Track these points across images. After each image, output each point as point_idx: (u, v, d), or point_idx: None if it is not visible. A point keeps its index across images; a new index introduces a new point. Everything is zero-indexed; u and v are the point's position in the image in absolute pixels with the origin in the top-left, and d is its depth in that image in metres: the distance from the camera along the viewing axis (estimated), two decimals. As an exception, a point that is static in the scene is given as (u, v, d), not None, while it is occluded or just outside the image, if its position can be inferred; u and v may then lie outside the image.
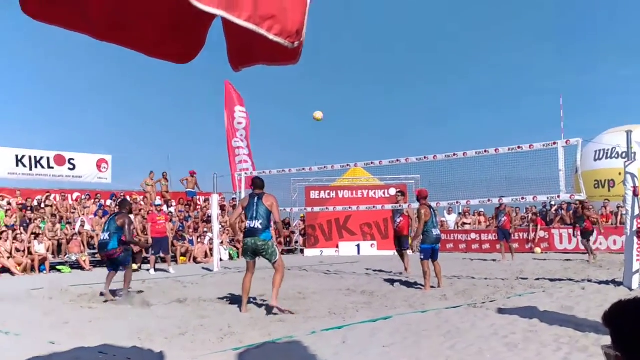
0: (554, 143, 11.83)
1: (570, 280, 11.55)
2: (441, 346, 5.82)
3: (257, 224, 8.33)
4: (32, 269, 16.15)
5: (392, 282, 12.12)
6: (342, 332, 6.67)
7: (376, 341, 6.16)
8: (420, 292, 10.34)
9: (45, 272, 16.28)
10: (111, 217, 10.73)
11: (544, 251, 20.61)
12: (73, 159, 23.24)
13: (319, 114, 14.02)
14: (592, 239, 17.40)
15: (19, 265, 15.94)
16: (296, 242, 25.17)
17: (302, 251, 24.06)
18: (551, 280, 11.72)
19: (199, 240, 20.40)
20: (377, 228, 23.35)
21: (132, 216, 12.17)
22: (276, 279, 8.38)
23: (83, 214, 19.88)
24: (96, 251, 17.54)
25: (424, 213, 10.95)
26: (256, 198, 8.50)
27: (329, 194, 24.02)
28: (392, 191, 23.72)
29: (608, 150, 22.23)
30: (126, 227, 10.29)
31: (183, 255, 19.41)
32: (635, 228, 10.20)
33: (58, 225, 18.34)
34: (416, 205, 11.72)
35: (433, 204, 12.10)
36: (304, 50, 2.41)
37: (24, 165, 21.91)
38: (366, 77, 62.00)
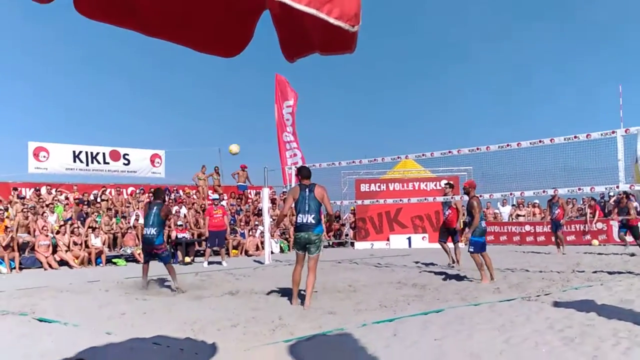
0: (613, 132, 11.49)
1: (630, 273, 11.22)
2: (495, 340, 5.71)
3: (309, 219, 8.20)
4: (89, 262, 16.59)
5: (443, 275, 11.98)
6: (393, 325, 6.62)
7: (428, 334, 6.08)
8: (472, 285, 10.19)
9: (101, 264, 16.70)
10: (154, 209, 10.56)
11: (601, 243, 20.07)
12: (128, 155, 23.77)
13: (234, 148, 13.69)
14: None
15: (77, 258, 16.40)
16: (346, 235, 25.17)
17: (352, 244, 24.05)
18: (610, 273, 11.40)
19: (250, 233, 20.60)
20: (428, 220, 23.14)
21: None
22: (310, 281, 8.23)
23: (137, 208, 20.28)
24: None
25: (477, 204, 10.76)
26: (307, 190, 8.32)
27: (379, 187, 23.91)
28: (444, 183, 23.48)
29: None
30: (171, 218, 10.36)
31: (235, 248, 19.63)
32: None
33: (113, 219, 18.79)
34: (466, 197, 11.48)
35: (486, 196, 11.91)
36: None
37: (81, 161, 22.53)
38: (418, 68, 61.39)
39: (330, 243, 24.09)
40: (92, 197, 20.53)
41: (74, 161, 22.38)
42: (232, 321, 7.05)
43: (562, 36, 55.27)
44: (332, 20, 2.12)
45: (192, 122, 54.27)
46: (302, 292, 8.36)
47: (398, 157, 16.24)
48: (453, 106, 59.71)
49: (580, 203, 23.36)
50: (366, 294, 9.43)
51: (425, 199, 18.78)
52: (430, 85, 61.81)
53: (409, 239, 22.98)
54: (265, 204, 17.34)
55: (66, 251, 16.38)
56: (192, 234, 19.18)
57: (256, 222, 21.30)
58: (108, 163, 23.17)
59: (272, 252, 17.71)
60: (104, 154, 23.08)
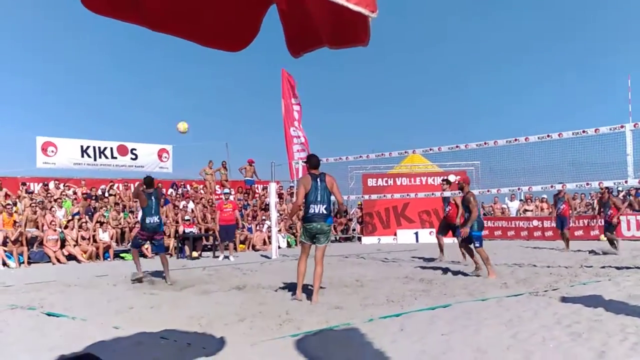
0: (622, 126, 11.42)
1: (638, 268, 11.16)
2: (502, 335, 5.70)
3: (322, 209, 8.10)
4: (97, 257, 16.69)
5: (450, 270, 11.96)
6: (400, 320, 6.61)
7: (435, 329, 6.08)
8: (480, 280, 10.17)
9: (109, 259, 16.79)
10: (152, 199, 10.86)
11: (610, 238, 19.98)
12: (135, 149, 23.84)
13: (182, 126, 13.53)
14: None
15: (85, 252, 16.49)
16: (353, 229, 25.17)
17: (359, 239, 24.04)
18: (618, 268, 11.34)
19: (258, 228, 20.64)
20: (435, 215, 23.04)
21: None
22: (318, 273, 8.12)
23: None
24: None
25: (474, 200, 10.92)
26: (318, 180, 8.21)
27: (386, 182, 23.88)
28: (452, 178, 23.40)
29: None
30: (162, 203, 10.61)
31: (242, 242, 19.68)
32: None
33: (121, 214, 18.86)
34: (475, 192, 11.51)
35: (494, 190, 11.89)
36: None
37: (89, 156, 22.62)
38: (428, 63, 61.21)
39: (337, 238, 24.09)
40: (100, 192, 20.61)
41: (82, 156, 22.46)
42: (239, 316, 7.07)
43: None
44: (352, 6, 2.08)
45: (199, 116, 54.24)
46: (310, 287, 8.36)
47: (405, 152, 16.20)
48: (465, 98, 59.47)
49: (588, 198, 23.26)
50: (373, 288, 9.42)
51: (433, 194, 18.69)
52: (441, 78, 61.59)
53: (416, 233, 22.95)
54: (273, 199, 17.37)
55: (74, 246, 16.47)
56: (200, 229, 19.23)
57: (263, 217, 21.33)
58: (116, 158, 23.25)
59: (279, 247, 17.77)
60: (111, 148, 23.16)
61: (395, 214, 23.68)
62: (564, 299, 7.66)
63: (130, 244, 14.19)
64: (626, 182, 11.70)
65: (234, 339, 5.79)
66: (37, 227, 16.70)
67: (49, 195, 19.13)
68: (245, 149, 61.98)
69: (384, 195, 19.53)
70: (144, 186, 11.12)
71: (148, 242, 11.43)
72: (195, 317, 6.97)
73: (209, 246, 18.57)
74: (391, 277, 11.04)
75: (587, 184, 12.68)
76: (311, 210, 8.13)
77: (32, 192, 19.34)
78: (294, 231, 22.16)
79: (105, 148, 23.00)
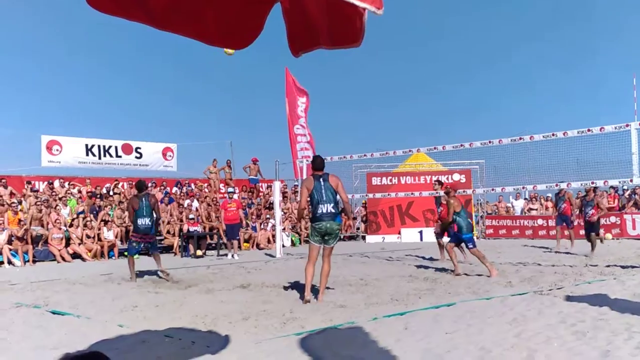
0: (627, 125, 11.39)
1: (643, 267, 11.14)
2: (507, 334, 5.69)
3: (329, 208, 8.04)
4: (102, 255, 16.73)
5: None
6: (404, 319, 6.62)
7: (439, 328, 6.08)
8: (484, 279, 10.16)
9: (114, 257, 16.83)
10: (144, 201, 11.16)
11: (615, 237, 19.95)
12: (140, 148, 23.86)
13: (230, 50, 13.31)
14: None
15: (89, 251, 16.53)
16: (358, 228, 25.17)
17: (363, 237, 24.04)
18: (623, 267, 11.32)
19: (262, 226, 20.65)
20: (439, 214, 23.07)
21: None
22: (325, 272, 8.14)
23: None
24: (162, 237, 18.11)
25: (456, 203, 11.18)
26: (321, 180, 8.17)
27: (390, 180, 23.86)
28: (456, 176, 23.40)
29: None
30: (157, 208, 11.34)
31: (246, 241, 19.71)
32: None
33: (126, 213, 18.86)
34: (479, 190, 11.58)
35: (498, 189, 11.91)
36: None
37: (94, 155, 22.64)
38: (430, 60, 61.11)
39: (342, 237, 24.07)
40: (104, 191, 20.66)
41: (87, 154, 22.50)
42: (243, 314, 7.08)
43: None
44: (357, 3, 2.09)
45: (204, 115, 54.29)
46: (316, 288, 8.35)
47: (410, 151, 16.18)
48: (470, 97, 59.38)
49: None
50: (377, 287, 9.42)
51: (438, 192, 18.70)
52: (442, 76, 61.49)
53: (421, 232, 22.93)
54: (277, 198, 17.39)
55: (79, 244, 16.52)
56: (204, 228, 19.26)
57: (267, 216, 21.34)
58: (120, 156, 23.28)
59: (283, 246, 17.78)
60: (116, 147, 23.19)
61: (400, 212, 23.65)
62: (569, 298, 7.64)
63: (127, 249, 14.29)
64: (631, 180, 11.66)
65: (238, 337, 5.80)
66: (42, 226, 16.74)
67: (54, 193, 19.16)
68: (249, 147, 62.04)
69: (388, 194, 19.52)
70: (137, 190, 11.58)
71: (142, 245, 11.59)
72: (200, 316, 6.98)
73: (213, 245, 18.60)
74: (395, 275, 11.04)
75: (592, 183, 12.65)
76: (319, 210, 8.08)
77: (37, 191, 19.38)
78: (298, 230, 22.17)
79: (110, 147, 23.03)
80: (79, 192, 20.33)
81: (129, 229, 18.21)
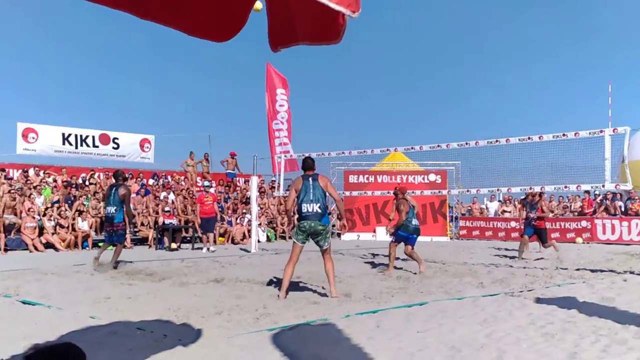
0: (601, 131, 11.55)
1: (611, 271, 11.32)
2: (477, 334, 5.76)
3: (315, 208, 8.01)
4: (76, 245, 16.58)
5: (428, 268, 12.04)
6: (377, 317, 6.66)
7: (411, 327, 6.13)
8: (456, 279, 10.25)
9: (87, 248, 16.69)
10: (113, 190, 11.50)
11: (585, 241, 20.24)
12: (117, 139, 23.68)
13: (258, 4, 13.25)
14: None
15: (63, 241, 16.37)
16: (333, 225, 25.21)
17: (339, 235, 24.09)
18: (592, 270, 11.49)
19: (238, 221, 20.61)
20: (415, 214, 23.19)
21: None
22: (329, 269, 8.20)
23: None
24: (136, 229, 18.01)
25: (403, 207, 11.79)
26: (310, 179, 8.16)
27: (367, 179, 23.95)
28: (432, 177, 23.56)
29: (657, 139, 21.62)
30: (127, 199, 11.45)
31: (221, 235, 19.65)
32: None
33: (101, 203, 18.70)
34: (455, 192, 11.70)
35: (473, 191, 12.02)
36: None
37: (70, 144, 22.42)
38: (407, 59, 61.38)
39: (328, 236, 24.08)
40: (80, 181, 20.45)
41: (63, 143, 22.26)
42: (216, 308, 7.07)
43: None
44: (332, 5, 2.11)
45: (182, 108, 54.03)
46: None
47: (387, 150, 16.23)
48: (447, 100, 59.75)
49: (566, 201, 23.52)
50: (351, 284, 9.47)
51: (413, 192, 18.80)
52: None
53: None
54: (254, 193, 17.37)
55: (52, 234, 16.35)
56: (179, 220, 19.18)
57: (244, 210, 21.30)
58: (97, 146, 23.08)
59: (258, 241, 17.77)
60: (93, 137, 22.98)
61: (375, 211, 23.76)
62: (539, 300, 7.75)
63: None
64: (603, 186, 11.84)
65: (210, 331, 5.79)
66: (15, 214, 16.53)
67: (28, 182, 18.94)
68: (228, 141, 61.85)
69: (365, 192, 19.58)
70: (114, 179, 12.07)
71: (110, 235, 11.76)
72: (173, 309, 6.96)
73: (188, 238, 18.54)
74: (369, 273, 11.12)
75: (566, 187, 12.80)
76: (304, 209, 8.07)
77: (11, 179, 19.16)
78: (274, 225, 22.17)
79: (87, 136, 22.81)
80: (54, 181, 20.12)
81: (103, 219, 18.12)
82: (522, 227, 14.80)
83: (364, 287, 9.11)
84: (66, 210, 17.22)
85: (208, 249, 16.33)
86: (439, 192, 20.43)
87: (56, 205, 17.31)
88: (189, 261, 13.23)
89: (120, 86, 54.74)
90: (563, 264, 12.69)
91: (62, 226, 16.65)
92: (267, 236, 21.21)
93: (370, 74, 60.80)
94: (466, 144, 13.57)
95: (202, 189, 19.22)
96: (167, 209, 18.47)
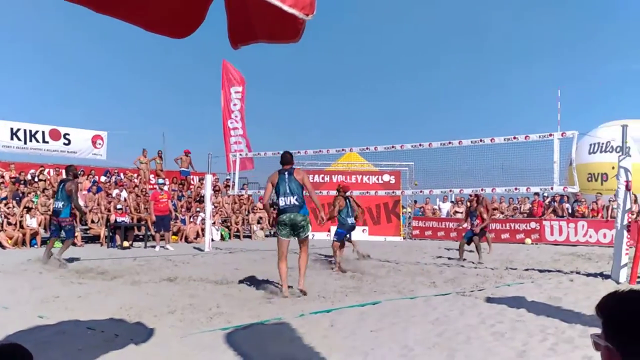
0: (550, 135, 11.84)
1: (559, 271, 11.61)
2: (429, 333, 5.84)
3: (292, 200, 8.26)
4: (24, 243, 16.15)
5: (381, 267, 12.16)
6: (331, 316, 6.69)
7: (364, 326, 6.18)
8: (409, 279, 10.37)
9: (36, 246, 16.27)
10: (61, 185, 11.61)
11: (534, 242, 20.69)
12: (68, 134, 23.14)
13: None
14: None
15: (10, 238, 15.93)
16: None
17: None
18: (540, 271, 11.76)
19: (191, 220, 20.41)
20: (369, 213, 23.30)
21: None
22: (303, 261, 8.47)
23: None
24: (87, 227, 17.67)
25: (337, 203, 12.68)
26: (286, 173, 8.36)
27: (323, 178, 23.98)
28: (386, 177, 23.75)
29: (603, 144, 22.24)
30: (73, 194, 11.43)
31: (175, 234, 19.42)
32: (625, 222, 10.26)
33: (51, 200, 18.28)
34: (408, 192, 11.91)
35: (426, 191, 12.22)
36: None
37: (19, 139, 21.80)
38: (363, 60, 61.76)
39: (271, 232, 24.12)
40: (29, 177, 19.94)
41: (12, 139, 21.64)
42: (169, 307, 7.00)
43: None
44: (285, 8, 2.12)
45: (136, 104, 53.22)
46: (241, 281, 8.33)
47: (343, 150, 16.32)
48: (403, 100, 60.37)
49: (516, 202, 24.00)
50: (305, 283, 9.47)
51: (367, 192, 18.96)
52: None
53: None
54: (208, 191, 17.23)
55: (-1, 231, 15.90)
56: (132, 218, 18.89)
57: (197, 209, 21.11)
58: (47, 142, 22.51)
59: (212, 240, 17.63)
60: (43, 132, 22.40)
61: (330, 210, 23.80)
62: (489, 300, 7.90)
63: None
64: (552, 188, 12.14)
65: (163, 330, 5.74)
66: (-40, 211, 16.04)
67: (-26, 178, 18.40)
68: (182, 139, 61.17)
69: (320, 192, 19.58)
70: (65, 173, 12.34)
71: (57, 229, 11.81)
72: (124, 308, 6.86)
73: (141, 236, 18.28)
74: (323, 273, 11.15)
75: (516, 189, 13.07)
76: (282, 203, 8.31)
77: (-45, 174, 18.56)
78: (229, 224, 22.04)
79: (36, 132, 22.23)
80: (2, 177, 19.55)
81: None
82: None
83: (318, 287, 9.15)
84: (14, 207, 16.77)
85: (163, 247, 16.15)
86: (393, 192, 20.62)
87: (3, 201, 16.84)
88: (142, 260, 13.05)
89: (72, 81, 53.59)
90: (483, 264, 12.90)
91: (9, 223, 16.20)
92: (222, 235, 21.06)
93: (329, 74, 60.99)
94: (420, 145, 13.73)
95: (155, 186, 18.98)
96: (119, 206, 18.17)
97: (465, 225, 14.87)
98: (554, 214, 21.75)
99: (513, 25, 56.53)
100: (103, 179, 22.29)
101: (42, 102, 46.88)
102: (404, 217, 24.47)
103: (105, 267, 11.29)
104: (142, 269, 11.32)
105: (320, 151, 15.82)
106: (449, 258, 14.76)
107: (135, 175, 23.32)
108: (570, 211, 21.59)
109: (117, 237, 17.23)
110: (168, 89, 60.37)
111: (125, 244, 16.82)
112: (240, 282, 9.55)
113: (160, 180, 19.06)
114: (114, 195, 19.63)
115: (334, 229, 22.85)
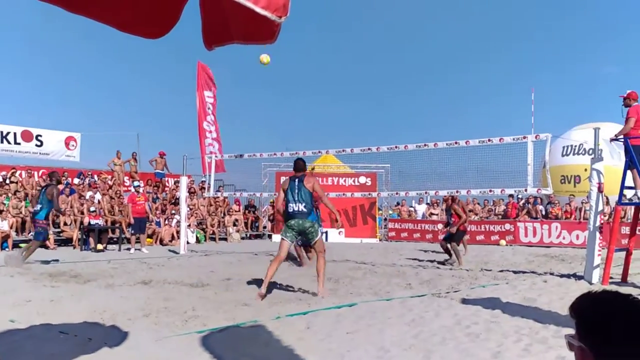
0: (524, 137, 11.98)
1: (533, 272, 11.73)
2: (405, 334, 5.86)
3: (300, 207, 8.38)
4: (-6, 246, 15.91)
5: (357, 269, 12.18)
6: (307, 318, 6.68)
7: (340, 328, 6.18)
8: (385, 280, 10.40)
9: (7, 249, 16.01)
10: (43, 189, 12.14)
11: (508, 243, 20.89)
12: (41, 136, 22.83)
13: (265, 58, 12.79)
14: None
15: (-19, 241, 15.68)
16: (264, 227, 25.17)
17: (270, 236, 24.04)
18: (514, 272, 11.88)
19: (166, 222, 20.27)
20: (345, 216, 23.34)
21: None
22: (320, 265, 8.52)
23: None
24: (60, 230, 17.45)
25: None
26: (297, 180, 8.53)
27: (298, 180, 23.96)
28: (362, 179, 23.81)
29: (575, 146, 22.58)
30: (54, 198, 11.88)
31: (150, 237, 19.25)
32: (598, 224, 10.39)
33: (23, 203, 18.03)
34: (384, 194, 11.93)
35: (402, 193, 12.23)
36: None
37: (-11, 140, 21.49)
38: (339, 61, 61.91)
39: (248, 235, 24.08)
40: (0, 179, 19.63)
41: (-18, 140, 21.33)
42: (144, 311, 6.94)
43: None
44: (258, 10, 2.12)
45: (110, 105, 52.70)
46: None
47: (319, 152, 16.31)
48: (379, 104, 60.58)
49: (491, 204, 24.21)
50: (281, 286, 9.46)
51: (344, 194, 19.01)
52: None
53: (326, 233, 23.11)
54: (183, 193, 17.11)
55: (-31, 234, 15.63)
56: (106, 221, 18.68)
57: (173, 211, 20.97)
58: (19, 144, 22.18)
59: (187, 242, 17.51)
60: (15, 133, 22.06)
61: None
62: (464, 301, 7.95)
63: None
64: (526, 190, 12.27)
65: (137, 334, 5.68)
66: None
67: (-57, 179, 18.06)
68: (157, 141, 60.76)
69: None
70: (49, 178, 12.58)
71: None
72: (98, 311, 6.78)
73: (115, 239, 18.09)
74: (299, 275, 11.12)
75: (491, 191, 13.19)
76: (290, 209, 8.45)
77: None
78: (204, 226, 21.93)
79: (8, 133, 21.89)
80: (-28, 179, 19.25)
81: (25, 219, 17.46)
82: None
83: (294, 289, 9.13)
84: (-16, 209, 16.51)
85: (138, 250, 16.02)
86: (369, 194, 20.69)
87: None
88: (116, 262, 12.91)
89: (45, 81, 52.89)
90: (487, 265, 13.05)
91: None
92: (197, 237, 20.93)
93: (306, 76, 61.00)
94: (395, 147, 13.78)
95: (130, 188, 18.80)
96: (92, 209, 17.95)
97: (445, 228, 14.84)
98: (528, 215, 21.99)
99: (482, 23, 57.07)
100: (76, 180, 22.04)
101: (14, 102, 46.12)
102: (379, 218, 24.56)
103: (79, 270, 11.15)
104: (116, 272, 11.20)
105: (296, 153, 15.78)
106: (425, 260, 14.82)
107: (110, 177, 23.09)
108: (543, 213, 21.84)
109: (91, 240, 17.03)
110: (142, 88, 59.84)
111: (99, 246, 16.62)
112: (216, 284, 9.49)
113: (136, 183, 18.88)
114: (87, 197, 19.41)
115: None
